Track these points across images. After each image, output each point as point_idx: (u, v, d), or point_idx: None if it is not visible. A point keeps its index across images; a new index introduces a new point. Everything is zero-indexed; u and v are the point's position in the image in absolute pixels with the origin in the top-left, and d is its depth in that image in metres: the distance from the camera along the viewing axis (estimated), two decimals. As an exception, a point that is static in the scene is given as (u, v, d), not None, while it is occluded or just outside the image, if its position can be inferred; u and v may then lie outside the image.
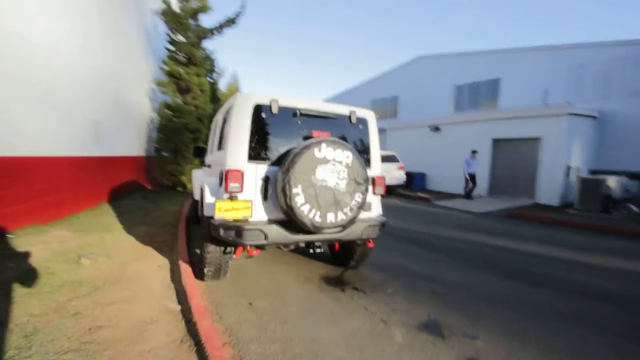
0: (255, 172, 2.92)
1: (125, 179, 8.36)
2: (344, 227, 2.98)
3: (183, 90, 9.72)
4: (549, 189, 11.04)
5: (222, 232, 2.76)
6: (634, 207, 8.97)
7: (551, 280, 3.85)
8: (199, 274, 3.26)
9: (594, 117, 12.47)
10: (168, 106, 9.54)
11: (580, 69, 14.54)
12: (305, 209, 2.75)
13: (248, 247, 2.83)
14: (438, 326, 2.65)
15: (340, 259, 3.89)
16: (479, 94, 17.95)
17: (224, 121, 3.81)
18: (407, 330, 2.57)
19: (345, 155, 2.90)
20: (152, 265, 3.67)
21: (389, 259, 4.41)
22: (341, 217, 2.91)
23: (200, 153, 5.34)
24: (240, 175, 2.83)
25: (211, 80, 12.46)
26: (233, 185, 2.82)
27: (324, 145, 2.81)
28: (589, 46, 14.12)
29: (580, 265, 4.55)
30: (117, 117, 7.88)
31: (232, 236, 2.76)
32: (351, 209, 2.93)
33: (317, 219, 2.81)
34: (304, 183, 2.72)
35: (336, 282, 3.47)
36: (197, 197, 5.28)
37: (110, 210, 6.51)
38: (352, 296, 3.13)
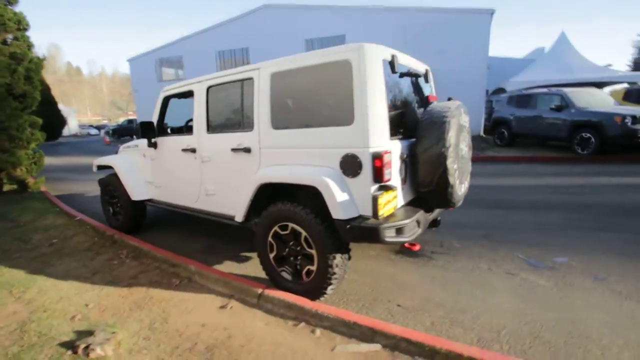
0: (395, 151, 2.31)
1: None
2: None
3: (-16, 29, 5.86)
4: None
5: (385, 233, 2.13)
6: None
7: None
8: (315, 293, 2.45)
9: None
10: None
11: (404, 30, 17.60)
12: (457, 182, 2.45)
13: (407, 243, 2.32)
14: (527, 258, 3.13)
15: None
16: (329, 49, 19.11)
17: (242, 87, 2.73)
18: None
19: (467, 120, 2.69)
20: (216, 314, 2.45)
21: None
22: (466, 186, 2.77)
23: (148, 131, 3.61)
24: (390, 157, 2.18)
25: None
26: (388, 172, 2.16)
27: (462, 110, 2.50)
28: (413, 10, 17.11)
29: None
30: None
31: (391, 236, 2.18)
32: (469, 176, 2.82)
33: (461, 191, 2.57)
34: (454, 154, 2.38)
35: (427, 252, 3.37)
36: (137, 193, 3.77)
37: None
38: (452, 252, 3.16)
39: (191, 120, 4.48)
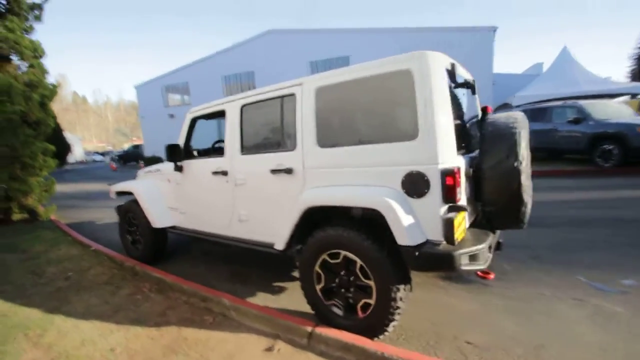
0: (462, 166, 2.09)
1: None
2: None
3: (1, 58, 5.83)
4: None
5: (460, 260, 1.88)
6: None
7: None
8: (373, 331, 2.16)
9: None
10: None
11: (407, 50, 17.78)
12: (529, 199, 2.21)
13: (479, 272, 2.06)
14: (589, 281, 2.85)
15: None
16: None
17: (281, 105, 2.56)
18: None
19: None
20: (263, 359, 2.15)
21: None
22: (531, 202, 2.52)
23: (174, 154, 3.42)
24: (459, 175, 1.95)
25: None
26: (459, 191, 1.93)
27: (527, 122, 2.30)
28: (415, 30, 17.41)
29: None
30: None
31: (466, 263, 1.92)
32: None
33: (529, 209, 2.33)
34: (526, 169, 2.16)
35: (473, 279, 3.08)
36: (159, 220, 3.56)
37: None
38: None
39: (219, 141, 4.34)
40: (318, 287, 2.38)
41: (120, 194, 4.29)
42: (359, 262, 2.16)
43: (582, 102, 8.87)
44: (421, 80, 1.95)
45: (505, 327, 2.34)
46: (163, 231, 3.83)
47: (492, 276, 2.07)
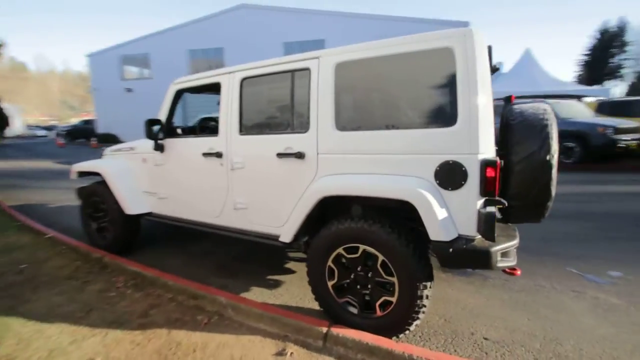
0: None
1: None
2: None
3: None
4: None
5: (497, 257, 1.76)
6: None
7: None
8: (393, 329, 2.01)
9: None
10: None
11: (382, 37, 17.73)
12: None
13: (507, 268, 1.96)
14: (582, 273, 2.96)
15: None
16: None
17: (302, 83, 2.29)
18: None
19: None
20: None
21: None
22: None
23: (155, 131, 2.99)
24: (499, 167, 1.81)
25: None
26: (494, 184, 1.79)
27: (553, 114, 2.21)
28: (391, 19, 17.32)
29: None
30: None
31: (499, 260, 1.82)
32: None
33: None
34: (556, 163, 2.07)
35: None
36: (133, 205, 3.20)
37: None
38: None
39: (206, 119, 3.90)
40: (330, 284, 2.18)
41: (82, 174, 3.74)
42: (380, 257, 1.98)
43: (550, 101, 9.33)
44: (464, 60, 1.76)
45: (517, 321, 2.31)
46: (136, 218, 3.40)
47: (519, 272, 1.99)
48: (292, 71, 2.30)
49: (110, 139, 21.46)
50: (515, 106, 2.25)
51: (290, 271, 3.14)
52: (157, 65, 21.07)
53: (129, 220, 3.37)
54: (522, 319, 2.34)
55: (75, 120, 38.63)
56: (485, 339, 2.14)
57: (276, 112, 2.50)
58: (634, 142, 8.01)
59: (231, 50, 19.54)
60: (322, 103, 2.16)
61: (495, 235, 1.71)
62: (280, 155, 2.33)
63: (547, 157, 1.96)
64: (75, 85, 69.37)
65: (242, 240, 2.71)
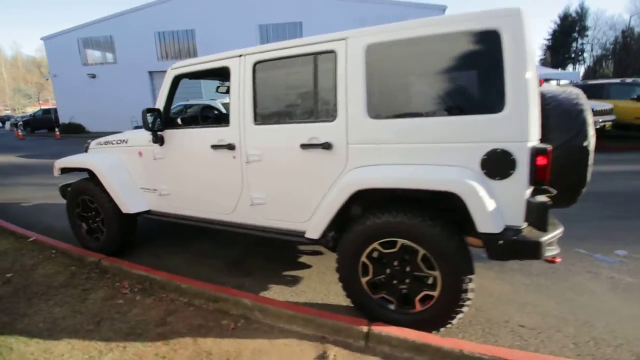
0: None
1: None
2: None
3: None
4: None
5: (546, 249, 1.73)
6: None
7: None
8: (433, 324, 1.95)
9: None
10: None
11: (363, 21, 17.47)
12: None
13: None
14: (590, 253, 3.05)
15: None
16: (284, 36, 18.18)
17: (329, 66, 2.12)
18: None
19: None
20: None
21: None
22: None
23: (154, 122, 2.71)
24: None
25: None
26: (545, 173, 1.73)
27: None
28: (371, 1, 17.02)
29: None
30: None
31: (547, 249, 1.78)
32: None
33: None
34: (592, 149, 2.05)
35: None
36: (131, 203, 2.96)
37: None
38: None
39: (207, 107, 3.61)
40: (364, 280, 2.08)
41: (66, 170, 3.40)
42: (421, 251, 1.90)
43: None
44: (513, 42, 1.66)
45: (545, 306, 2.34)
46: (134, 216, 3.13)
47: (559, 259, 1.98)
48: (315, 54, 2.12)
49: (75, 129, 20.09)
50: (545, 90, 2.20)
51: (305, 265, 3.02)
52: (122, 49, 19.69)
53: (125, 219, 3.11)
54: (550, 303, 2.37)
55: (32, 110, 35.80)
56: (521, 326, 2.14)
57: (297, 99, 2.31)
58: (609, 123, 8.41)
59: (203, 32, 18.57)
60: (351, 89, 2.00)
61: (548, 225, 1.67)
62: (304, 146, 2.16)
63: (585, 143, 1.92)
64: (28, 72, 63.95)
65: (247, 235, 2.57)
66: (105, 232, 3.18)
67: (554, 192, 1.76)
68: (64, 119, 20.92)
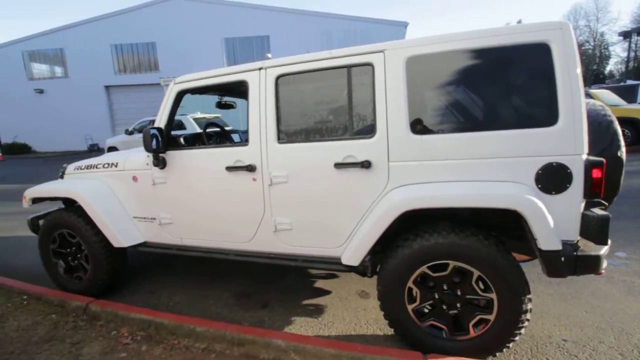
0: None
1: None
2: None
3: None
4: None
5: (604, 264, 1.70)
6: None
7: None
8: (489, 349, 1.84)
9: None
10: None
11: (328, 35, 17.82)
12: None
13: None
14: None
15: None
16: (251, 49, 18.01)
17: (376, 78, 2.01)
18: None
19: None
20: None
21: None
22: None
23: (156, 142, 2.40)
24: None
25: None
26: (600, 186, 1.71)
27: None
28: (337, 17, 17.43)
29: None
30: None
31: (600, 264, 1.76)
32: None
33: None
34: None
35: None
36: (125, 235, 2.61)
37: None
38: None
39: (211, 124, 3.30)
40: (411, 307, 1.94)
41: (38, 200, 2.93)
42: (476, 273, 1.80)
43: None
44: (564, 55, 1.65)
45: (578, 316, 2.33)
46: (124, 250, 2.75)
47: (604, 271, 1.97)
48: (348, 66, 1.99)
49: (19, 149, 18.21)
50: None
51: (324, 292, 2.81)
52: (74, 63, 18.33)
53: (115, 253, 2.72)
54: (581, 312, 2.37)
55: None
56: (564, 340, 2.10)
57: (327, 114, 2.16)
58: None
59: (164, 45, 17.88)
60: (391, 104, 1.89)
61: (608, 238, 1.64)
62: (339, 165, 2.00)
63: (618, 153, 1.96)
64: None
65: (249, 263, 2.35)
66: (91, 271, 2.75)
67: (607, 204, 1.75)
68: (6, 138, 18.90)
